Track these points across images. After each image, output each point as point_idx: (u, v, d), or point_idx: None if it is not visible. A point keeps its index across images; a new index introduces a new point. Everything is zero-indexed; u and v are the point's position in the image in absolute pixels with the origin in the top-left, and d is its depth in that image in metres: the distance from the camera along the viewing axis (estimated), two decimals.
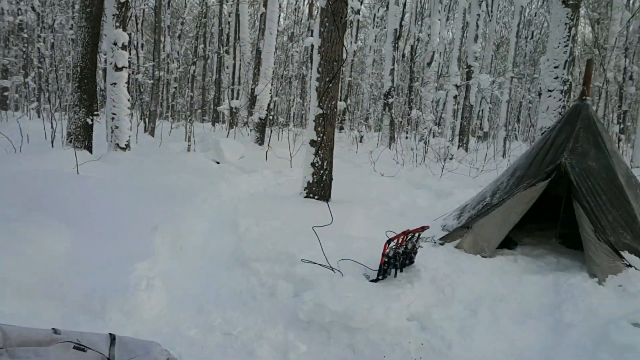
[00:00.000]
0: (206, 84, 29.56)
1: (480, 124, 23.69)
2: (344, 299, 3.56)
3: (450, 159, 12.38)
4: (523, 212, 5.33)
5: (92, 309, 3.38)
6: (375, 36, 26.21)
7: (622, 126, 17.92)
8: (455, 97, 19.32)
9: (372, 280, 4.13)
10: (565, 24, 7.97)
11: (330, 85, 6.57)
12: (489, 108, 24.83)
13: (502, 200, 5.40)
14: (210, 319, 3.60)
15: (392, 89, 17.26)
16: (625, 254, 4.64)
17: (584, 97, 5.69)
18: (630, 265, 4.55)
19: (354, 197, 7.04)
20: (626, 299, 4.10)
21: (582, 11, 12.39)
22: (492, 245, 5.32)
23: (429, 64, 21.95)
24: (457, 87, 18.67)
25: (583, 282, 4.42)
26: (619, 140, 17.14)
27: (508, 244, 5.63)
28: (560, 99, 8.11)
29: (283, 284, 4.02)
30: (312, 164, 6.70)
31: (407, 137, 17.63)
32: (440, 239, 5.57)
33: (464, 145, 17.96)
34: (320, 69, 6.60)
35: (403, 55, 22.33)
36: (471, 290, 4.26)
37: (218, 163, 9.94)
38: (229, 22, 24.39)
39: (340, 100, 19.66)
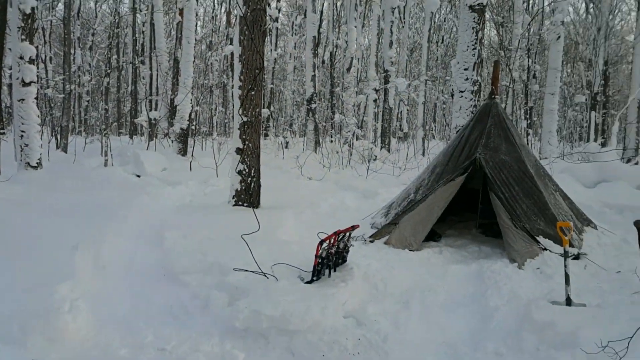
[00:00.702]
0: (121, 96, 28.37)
1: (400, 125, 24.49)
2: (280, 303, 3.55)
3: (374, 160, 12.71)
4: (445, 206, 5.59)
5: (12, 337, 3.14)
6: (295, 43, 26.41)
7: (529, 121, 19.26)
8: (375, 100, 19.87)
9: (307, 282, 4.16)
10: (473, 28, 8.45)
11: (253, 92, 6.54)
12: (407, 110, 25.77)
13: (425, 196, 5.63)
14: (141, 336, 3.46)
15: (314, 94, 17.52)
16: (540, 238, 5.00)
17: (493, 96, 6.07)
18: (545, 249, 4.90)
19: (284, 203, 7.04)
20: (543, 280, 4.40)
21: (487, 15, 13.19)
22: (419, 239, 5.53)
23: (348, 70, 22.43)
24: (376, 91, 19.22)
25: (504, 268, 4.69)
26: (527, 134, 18.36)
27: (433, 236, 5.89)
28: (471, 99, 8.58)
29: (216, 294, 3.94)
30: (239, 172, 6.63)
31: (331, 141, 17.87)
32: (370, 236, 5.71)
33: (386, 146, 18.52)
34: (242, 77, 6.55)
35: (323, 62, 22.68)
36: (402, 284, 4.40)
37: (139, 176, 9.57)
38: (143, 32, 23.63)
39: (264, 107, 19.61)
